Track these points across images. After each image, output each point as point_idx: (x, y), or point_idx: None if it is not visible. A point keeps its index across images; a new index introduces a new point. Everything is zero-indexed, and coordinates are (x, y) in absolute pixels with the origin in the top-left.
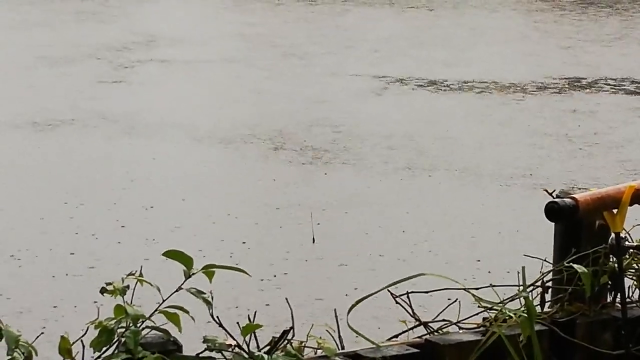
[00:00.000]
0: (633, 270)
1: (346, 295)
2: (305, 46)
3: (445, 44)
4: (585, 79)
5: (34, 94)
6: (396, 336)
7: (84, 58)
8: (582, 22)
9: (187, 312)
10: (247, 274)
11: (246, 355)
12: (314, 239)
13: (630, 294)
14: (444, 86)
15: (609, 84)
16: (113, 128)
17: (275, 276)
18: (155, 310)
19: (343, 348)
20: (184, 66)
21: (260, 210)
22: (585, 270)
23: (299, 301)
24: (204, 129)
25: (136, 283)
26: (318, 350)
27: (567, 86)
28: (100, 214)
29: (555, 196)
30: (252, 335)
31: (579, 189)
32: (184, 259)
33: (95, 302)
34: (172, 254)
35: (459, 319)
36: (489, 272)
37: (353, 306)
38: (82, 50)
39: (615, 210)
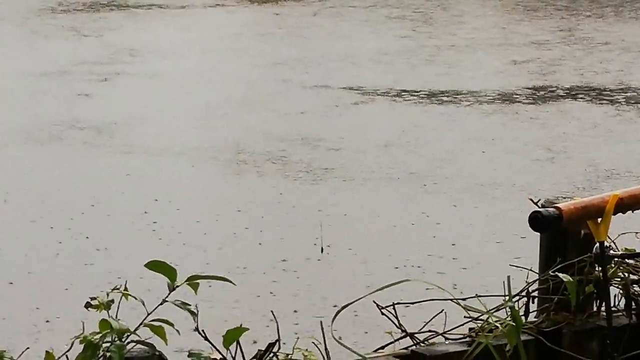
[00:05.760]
0: (618, 279)
1: (334, 306)
2: (282, 58)
3: (420, 54)
4: (555, 87)
5: (7, 108)
6: (382, 347)
7: (61, 73)
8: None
9: (172, 324)
10: (232, 283)
11: None
12: (322, 248)
13: (617, 302)
14: (423, 96)
15: (581, 93)
16: (88, 142)
17: (272, 286)
18: (140, 324)
19: None
20: (160, 79)
21: (254, 222)
22: (571, 279)
23: (288, 314)
24: (182, 143)
25: (121, 297)
26: None
27: (539, 94)
28: (75, 230)
29: (540, 205)
30: (238, 348)
31: (564, 198)
32: (167, 271)
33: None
34: (154, 266)
35: (445, 330)
36: (475, 282)
37: (336, 315)
38: (60, 65)
39: (599, 220)
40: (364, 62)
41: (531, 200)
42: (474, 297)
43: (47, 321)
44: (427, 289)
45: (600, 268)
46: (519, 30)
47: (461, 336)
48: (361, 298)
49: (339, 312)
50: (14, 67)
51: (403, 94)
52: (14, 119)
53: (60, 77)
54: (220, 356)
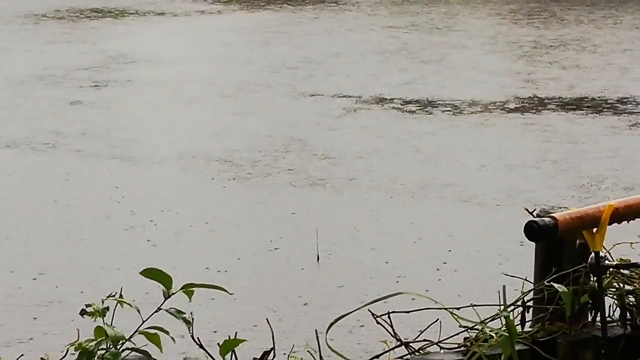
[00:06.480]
0: (614, 290)
1: (330, 315)
2: (274, 66)
3: (415, 62)
4: (549, 96)
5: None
6: (377, 356)
7: (55, 79)
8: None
9: (167, 332)
10: (228, 292)
11: None
12: (318, 257)
13: (612, 313)
14: (418, 106)
15: (574, 102)
16: (80, 149)
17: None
18: (135, 331)
19: None
20: (153, 87)
21: (248, 230)
22: (566, 289)
23: (284, 322)
24: (176, 150)
25: (116, 304)
26: None
27: (532, 104)
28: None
29: (536, 215)
30: (233, 356)
31: (559, 208)
32: (163, 278)
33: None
34: (150, 273)
35: (440, 339)
36: (470, 291)
37: (331, 325)
38: (53, 71)
39: (594, 230)
40: (357, 69)
41: (527, 209)
42: (469, 306)
43: (43, 330)
44: (420, 295)
45: (595, 278)
46: (514, 39)
47: (456, 345)
48: (356, 310)
49: (334, 322)
50: (7, 73)
51: (397, 102)
52: (4, 124)
53: (53, 83)
54: None
